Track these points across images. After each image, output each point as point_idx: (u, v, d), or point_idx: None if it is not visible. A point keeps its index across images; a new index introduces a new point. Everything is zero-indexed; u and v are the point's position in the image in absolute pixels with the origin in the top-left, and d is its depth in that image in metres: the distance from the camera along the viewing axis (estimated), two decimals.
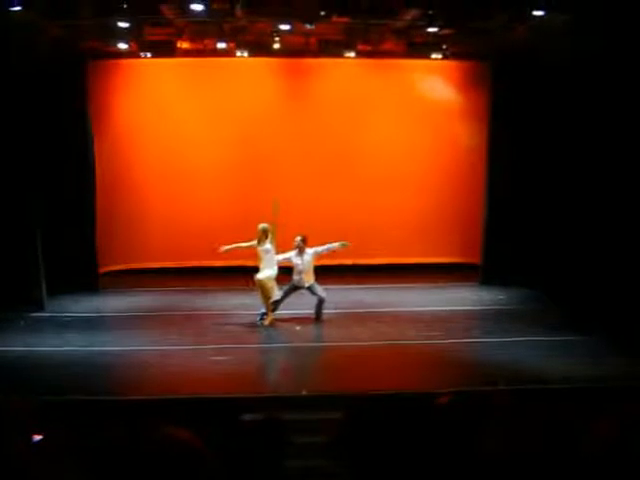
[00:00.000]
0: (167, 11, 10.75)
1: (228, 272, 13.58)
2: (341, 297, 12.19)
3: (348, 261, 14.11)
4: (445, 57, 13.23)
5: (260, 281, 10.49)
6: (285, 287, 10.80)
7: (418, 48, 12.81)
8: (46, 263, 11.79)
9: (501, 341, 9.69)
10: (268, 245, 10.54)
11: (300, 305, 11.06)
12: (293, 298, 10.89)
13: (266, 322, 10.61)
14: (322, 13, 10.73)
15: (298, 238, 10.72)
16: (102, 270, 13.74)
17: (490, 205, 13.51)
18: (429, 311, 11.63)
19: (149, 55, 13.01)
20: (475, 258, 13.99)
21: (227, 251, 10.88)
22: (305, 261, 10.69)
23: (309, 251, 10.74)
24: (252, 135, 14.36)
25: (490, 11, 10.56)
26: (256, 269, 10.70)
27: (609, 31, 10.04)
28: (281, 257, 10.76)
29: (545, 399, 6.59)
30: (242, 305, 11.70)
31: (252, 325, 10.67)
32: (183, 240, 14.26)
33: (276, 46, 12.59)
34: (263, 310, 10.66)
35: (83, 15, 10.45)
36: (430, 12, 10.75)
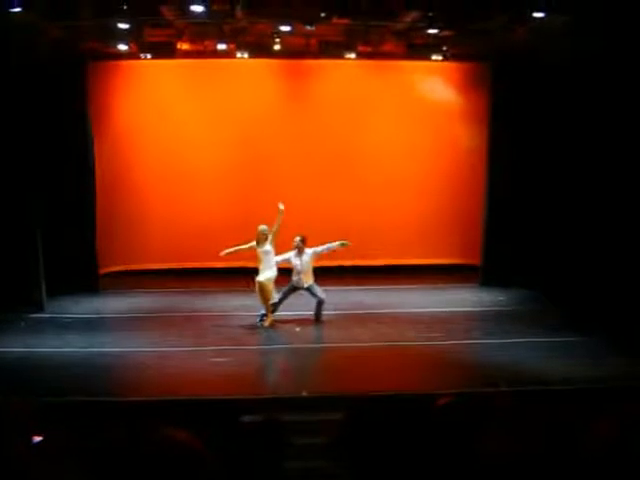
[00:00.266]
0: (167, 12, 10.75)
1: (228, 273, 13.57)
2: (341, 298, 12.19)
3: (348, 262, 14.10)
4: (445, 58, 13.24)
5: (260, 283, 10.49)
6: (284, 288, 10.80)
7: (418, 49, 12.82)
8: (46, 264, 11.79)
9: (501, 342, 9.70)
10: (268, 247, 10.54)
11: (300, 306, 11.06)
12: (292, 299, 10.89)
13: (266, 323, 10.61)
14: (322, 14, 10.74)
15: (297, 238, 10.71)
16: (102, 271, 13.74)
17: (490, 206, 13.51)
18: (429, 312, 11.63)
19: (149, 56, 13.01)
20: (475, 259, 13.99)
21: (228, 254, 10.88)
22: (304, 262, 10.69)
23: (308, 251, 10.73)
24: (252, 136, 14.36)
25: (490, 12, 10.57)
26: (256, 270, 10.71)
27: (609, 32, 10.05)
28: (280, 258, 10.75)
29: (545, 400, 6.59)
30: (242, 306, 11.70)
31: (252, 326, 10.67)
32: (183, 241, 14.26)
33: (276, 47, 12.59)
34: (263, 311, 10.66)
35: (83, 16, 10.45)
36: (430, 14, 10.75)
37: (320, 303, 10.74)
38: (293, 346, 9.95)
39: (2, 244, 11.43)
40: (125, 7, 10.34)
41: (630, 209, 10.53)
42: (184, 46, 12.71)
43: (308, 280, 10.74)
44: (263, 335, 10.41)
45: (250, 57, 13.10)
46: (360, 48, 12.88)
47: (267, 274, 10.50)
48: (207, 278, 13.92)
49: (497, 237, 13.39)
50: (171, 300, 12.77)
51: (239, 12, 10.75)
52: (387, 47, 12.91)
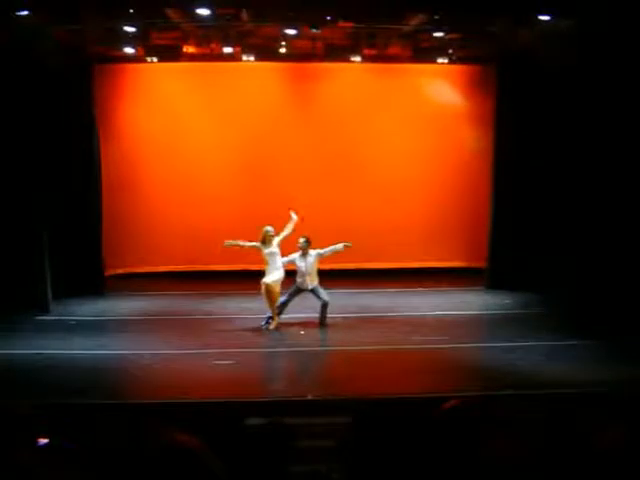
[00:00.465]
0: (173, 15, 10.79)
1: (233, 276, 13.60)
2: (346, 301, 12.18)
3: (353, 265, 14.09)
4: (451, 61, 13.24)
5: (267, 285, 10.48)
6: (288, 290, 10.79)
7: (424, 52, 12.85)
8: (52, 266, 11.82)
9: (507, 346, 9.65)
10: (274, 248, 10.55)
11: (304, 309, 11.05)
12: (297, 301, 10.88)
13: (271, 326, 10.61)
14: (328, 18, 10.76)
15: (302, 240, 10.70)
16: (108, 273, 13.78)
17: (496, 209, 13.49)
18: (435, 315, 11.60)
19: (155, 59, 13.03)
20: (481, 262, 13.96)
21: (229, 245, 10.86)
22: (309, 263, 10.68)
23: (312, 253, 10.72)
24: (258, 139, 14.38)
25: (495, 16, 10.57)
26: (260, 273, 10.72)
27: (613, 35, 10.04)
28: (285, 260, 10.74)
29: (550, 404, 6.57)
30: (247, 309, 11.70)
31: (257, 329, 10.67)
32: (188, 244, 14.29)
33: (282, 50, 12.61)
34: (269, 314, 10.65)
35: (89, 19, 10.49)
36: (436, 17, 10.76)
37: (324, 306, 10.73)
38: (298, 349, 9.93)
39: (9, 246, 11.47)
40: (131, 10, 10.38)
41: (637, 213, 10.50)
42: (190, 49, 12.74)
43: (313, 282, 10.73)
44: (268, 338, 10.40)
45: (256, 60, 13.12)
46: (366, 51, 12.89)
47: (274, 276, 10.50)
48: (212, 281, 13.93)
49: (503, 240, 13.36)
50: (176, 302, 12.78)
51: (245, 15, 10.77)
52: (393, 50, 12.92)
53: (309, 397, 7.68)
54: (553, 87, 12.14)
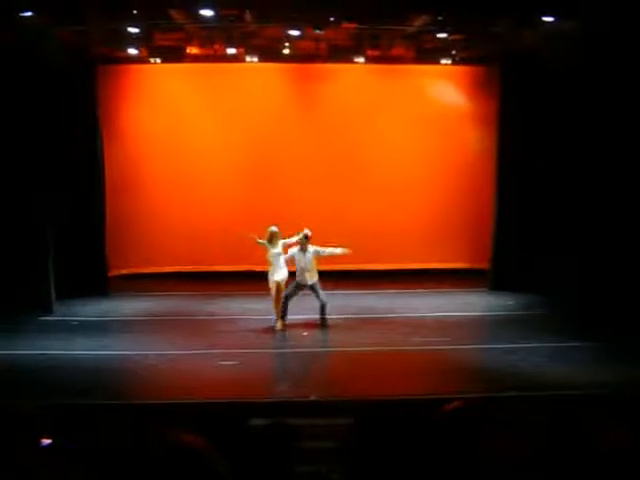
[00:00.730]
0: (177, 16, 10.80)
1: (237, 277, 13.61)
2: (348, 302, 12.20)
3: (355, 266, 14.07)
4: (454, 62, 13.24)
5: (278, 283, 10.60)
6: (288, 288, 10.77)
7: (428, 53, 12.84)
8: (56, 267, 11.84)
9: (509, 347, 9.65)
10: (280, 249, 10.64)
11: (307, 310, 11.06)
12: (299, 302, 10.89)
13: (278, 326, 10.65)
14: (331, 19, 10.76)
15: (301, 234, 10.67)
16: (111, 274, 13.79)
17: (499, 210, 13.48)
18: (437, 317, 11.60)
19: (159, 60, 13.05)
20: (484, 263, 13.95)
21: (239, 236, 11.01)
22: (307, 259, 10.66)
23: (311, 249, 10.70)
24: (261, 140, 14.40)
25: (499, 16, 10.57)
26: (263, 274, 10.76)
27: (617, 36, 10.03)
28: (286, 256, 10.78)
29: (552, 405, 6.57)
30: (251, 310, 11.72)
31: (261, 330, 10.68)
32: (192, 244, 14.31)
33: (286, 51, 12.62)
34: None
35: (93, 20, 10.51)
36: (439, 18, 10.76)
37: (323, 306, 10.72)
38: (301, 350, 9.94)
39: (12, 246, 11.49)
40: (135, 11, 10.39)
41: None
42: (193, 50, 12.76)
43: (312, 277, 10.70)
44: (271, 339, 10.41)
45: (259, 61, 13.13)
46: (369, 52, 12.88)
47: (280, 275, 10.62)
48: (216, 281, 13.94)
49: (506, 241, 13.35)
50: (180, 303, 12.79)
51: (248, 16, 10.78)
52: (396, 51, 12.92)
53: (312, 398, 7.69)
54: (557, 88, 12.13)
